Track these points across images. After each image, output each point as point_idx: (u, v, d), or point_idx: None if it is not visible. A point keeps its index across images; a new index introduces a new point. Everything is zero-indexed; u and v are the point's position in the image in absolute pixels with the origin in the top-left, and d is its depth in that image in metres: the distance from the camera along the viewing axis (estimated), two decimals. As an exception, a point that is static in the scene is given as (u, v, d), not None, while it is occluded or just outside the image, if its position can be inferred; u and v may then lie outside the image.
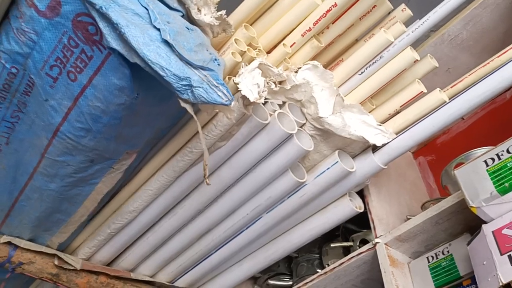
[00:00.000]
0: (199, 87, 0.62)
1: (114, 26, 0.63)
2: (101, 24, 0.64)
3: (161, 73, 0.61)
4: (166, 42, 0.65)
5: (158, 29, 0.65)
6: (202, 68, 0.65)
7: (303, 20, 0.92)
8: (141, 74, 0.69)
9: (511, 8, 1.11)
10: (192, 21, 0.79)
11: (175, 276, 1.27)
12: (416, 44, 0.96)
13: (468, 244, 0.79)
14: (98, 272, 1.18)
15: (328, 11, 0.90)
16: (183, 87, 0.62)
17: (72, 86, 0.73)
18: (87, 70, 0.70)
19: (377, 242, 0.99)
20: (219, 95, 0.62)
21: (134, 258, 1.22)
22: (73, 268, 1.14)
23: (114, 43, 0.63)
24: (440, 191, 1.31)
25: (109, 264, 1.24)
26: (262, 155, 0.94)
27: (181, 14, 0.79)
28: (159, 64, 0.61)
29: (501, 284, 0.66)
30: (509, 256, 0.68)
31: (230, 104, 0.63)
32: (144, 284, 1.25)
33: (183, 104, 0.66)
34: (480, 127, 1.31)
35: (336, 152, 0.97)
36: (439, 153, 1.38)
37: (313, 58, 0.97)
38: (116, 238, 1.15)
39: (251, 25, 0.92)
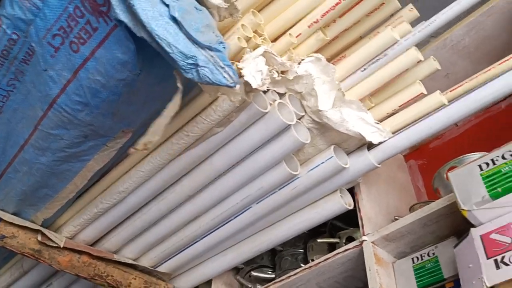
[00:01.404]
0: (205, 67, 0.61)
1: (123, -3, 0.62)
2: (110, -6, 0.62)
3: (168, 49, 0.60)
4: (174, 19, 0.63)
5: (167, 5, 0.64)
6: (210, 48, 0.64)
7: (311, 11, 0.91)
8: (146, 51, 0.68)
9: (515, 18, 1.12)
10: (200, 1, 0.78)
11: (159, 261, 1.26)
12: (418, 47, 0.96)
13: (455, 247, 0.80)
14: (81, 251, 1.17)
15: (337, 3, 0.89)
16: (189, 66, 0.61)
17: (73, 57, 0.71)
18: (91, 41, 0.69)
19: (364, 240, 0.99)
20: (224, 77, 0.61)
21: (118, 240, 1.20)
22: (56, 245, 1.13)
23: (122, 15, 0.61)
24: (428, 195, 1.33)
25: (93, 244, 1.23)
26: (258, 145, 0.93)
27: (191, -7, 0.78)
28: (166, 40, 0.60)
29: (485, 287, 0.66)
30: (495, 260, 0.68)
31: (235, 86, 0.62)
32: (126, 266, 1.24)
33: (178, 84, 0.65)
34: (472, 134, 1.32)
35: (332, 147, 0.96)
36: (430, 157, 1.39)
37: (317, 52, 0.97)
38: (102, 219, 1.14)
39: (258, 12, 0.91)
